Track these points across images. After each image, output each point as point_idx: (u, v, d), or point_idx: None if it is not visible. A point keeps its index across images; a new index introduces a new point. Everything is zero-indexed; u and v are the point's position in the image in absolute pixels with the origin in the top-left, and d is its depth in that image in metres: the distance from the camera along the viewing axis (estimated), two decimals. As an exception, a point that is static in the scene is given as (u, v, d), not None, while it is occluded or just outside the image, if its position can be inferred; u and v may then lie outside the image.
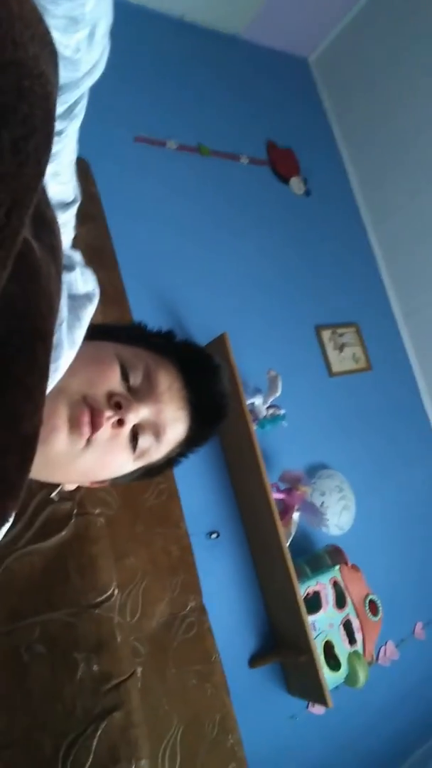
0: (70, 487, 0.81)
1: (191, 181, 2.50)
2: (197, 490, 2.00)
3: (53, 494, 0.76)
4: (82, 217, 0.71)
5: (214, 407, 0.73)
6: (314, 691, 1.87)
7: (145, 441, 0.65)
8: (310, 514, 2.08)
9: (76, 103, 0.55)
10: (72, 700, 0.93)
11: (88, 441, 0.59)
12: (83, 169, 0.58)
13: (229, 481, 2.12)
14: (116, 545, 1.20)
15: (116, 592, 1.07)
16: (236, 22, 2.92)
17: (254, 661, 1.96)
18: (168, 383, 0.67)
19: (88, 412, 0.58)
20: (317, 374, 2.60)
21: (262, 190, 2.77)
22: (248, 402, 2.08)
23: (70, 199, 0.65)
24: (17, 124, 0.33)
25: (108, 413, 0.59)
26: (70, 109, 0.55)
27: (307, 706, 2.05)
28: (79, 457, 0.60)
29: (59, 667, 0.94)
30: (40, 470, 0.58)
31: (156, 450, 0.67)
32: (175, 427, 0.68)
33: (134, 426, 0.63)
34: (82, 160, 0.61)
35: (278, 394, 2.14)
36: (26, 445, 0.42)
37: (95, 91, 0.57)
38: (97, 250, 1.65)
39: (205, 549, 1.90)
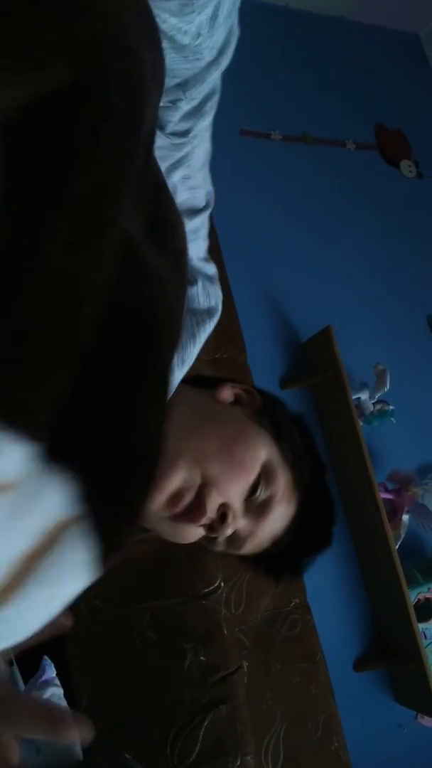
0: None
1: (296, 171, 2.46)
2: (300, 486, 1.97)
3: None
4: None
5: (290, 565, 0.70)
6: (424, 702, 1.77)
7: (220, 541, 0.62)
8: (422, 517, 1.97)
9: (206, 99, 0.51)
10: (180, 688, 0.95)
11: (175, 517, 0.58)
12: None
13: (334, 478, 2.06)
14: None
15: (222, 584, 1.08)
16: (343, 3, 2.82)
17: (360, 665, 1.90)
18: (278, 518, 0.63)
19: (192, 498, 0.57)
20: (430, 368, 2.45)
21: (370, 176, 2.65)
22: (354, 397, 2.01)
23: (201, 205, 0.61)
24: (93, 103, 0.29)
25: (210, 515, 0.58)
26: (200, 106, 0.51)
27: (416, 717, 1.95)
28: (161, 522, 0.59)
29: (168, 654, 0.97)
30: None
31: (222, 549, 0.65)
32: (250, 550, 0.65)
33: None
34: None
35: (386, 389, 2.04)
36: (144, 467, 0.39)
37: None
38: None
39: (308, 546, 1.87)
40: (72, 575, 0.35)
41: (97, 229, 0.29)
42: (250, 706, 1.08)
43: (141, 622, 0.97)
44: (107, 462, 0.35)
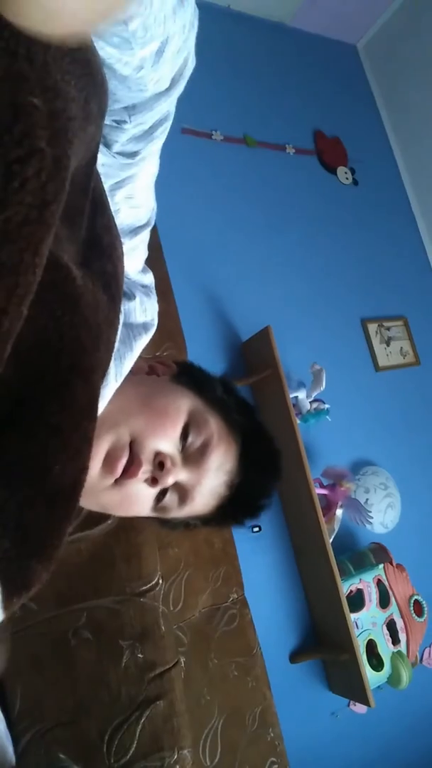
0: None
1: (237, 173, 2.49)
2: (239, 484, 1.99)
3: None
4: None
5: (249, 505, 0.71)
6: (356, 690, 1.84)
7: (170, 500, 0.63)
8: (354, 512, 2.05)
9: (158, 124, 0.51)
10: (117, 686, 0.95)
11: (117, 482, 0.58)
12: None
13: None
14: (159, 535, 1.21)
15: (161, 581, 1.08)
16: (284, 9, 2.88)
17: (295, 656, 1.95)
18: (220, 462, 0.64)
19: (127, 457, 0.57)
20: (363, 369, 2.55)
21: (309, 181, 2.72)
22: (292, 396, 2.06)
23: (142, 222, 0.61)
24: (12, 144, 0.28)
25: (146, 467, 0.58)
26: (150, 131, 0.51)
27: (348, 704, 2.03)
28: (103, 493, 0.59)
29: (105, 653, 0.96)
30: None
31: (176, 512, 0.65)
32: (206, 503, 0.65)
33: None
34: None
35: (322, 388, 2.11)
36: (58, 498, 0.38)
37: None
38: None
39: (247, 542, 1.90)
40: None
41: (13, 272, 0.29)
42: (187, 701, 1.09)
43: (77, 623, 0.96)
44: (8, 499, 0.34)
